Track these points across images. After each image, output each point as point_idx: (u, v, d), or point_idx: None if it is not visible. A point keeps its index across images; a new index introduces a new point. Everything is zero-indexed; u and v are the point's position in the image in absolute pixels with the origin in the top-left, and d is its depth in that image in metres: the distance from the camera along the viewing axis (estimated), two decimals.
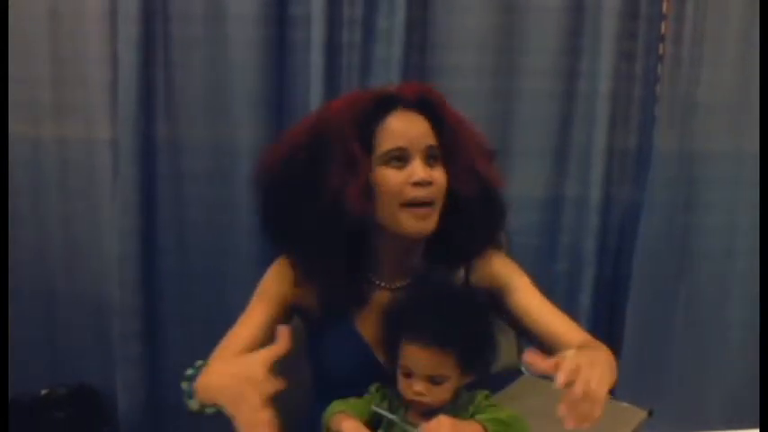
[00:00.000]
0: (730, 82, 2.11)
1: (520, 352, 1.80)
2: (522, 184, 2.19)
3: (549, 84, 2.17)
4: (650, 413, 1.36)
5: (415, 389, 1.21)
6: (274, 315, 1.33)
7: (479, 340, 1.26)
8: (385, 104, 1.29)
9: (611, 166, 2.18)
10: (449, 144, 1.30)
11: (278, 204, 1.33)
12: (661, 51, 2.16)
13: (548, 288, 2.23)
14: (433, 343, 1.20)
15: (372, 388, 1.28)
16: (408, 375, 1.22)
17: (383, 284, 1.36)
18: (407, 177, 1.26)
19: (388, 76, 2.08)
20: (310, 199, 1.27)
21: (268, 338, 1.32)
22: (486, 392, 1.28)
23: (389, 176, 1.26)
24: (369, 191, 1.26)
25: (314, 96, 2.08)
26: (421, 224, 1.27)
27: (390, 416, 1.21)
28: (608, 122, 2.14)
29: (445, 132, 1.31)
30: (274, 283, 1.37)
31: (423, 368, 1.21)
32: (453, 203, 1.30)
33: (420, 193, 1.26)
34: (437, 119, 1.30)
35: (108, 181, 2.19)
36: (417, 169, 1.26)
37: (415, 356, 1.21)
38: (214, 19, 2.11)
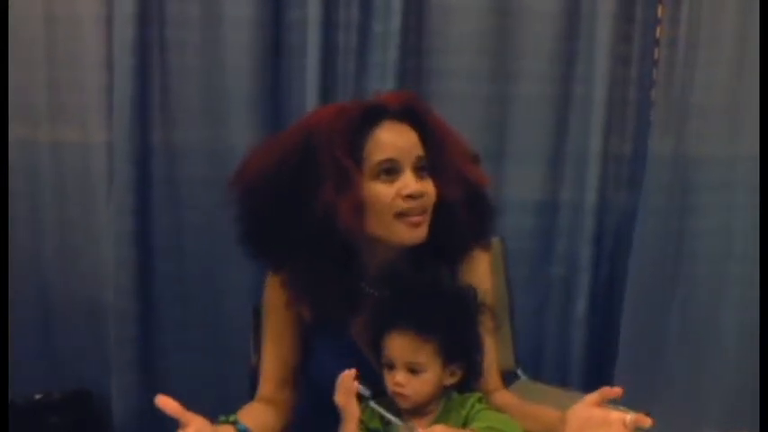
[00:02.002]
0: (725, 86, 2.11)
1: (516, 356, 1.80)
2: (518, 188, 2.19)
3: (544, 88, 2.17)
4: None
5: (396, 379, 1.22)
6: (287, 327, 1.39)
7: (462, 333, 1.26)
8: (372, 116, 1.29)
9: (607, 171, 2.17)
10: (436, 152, 1.31)
11: (263, 219, 1.32)
12: (656, 55, 2.16)
13: (543, 292, 2.26)
14: (410, 327, 1.21)
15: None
16: (390, 367, 1.23)
17: (373, 291, 1.36)
18: (399, 190, 1.26)
19: (383, 80, 2.09)
20: (300, 214, 1.26)
21: (293, 352, 1.39)
22: (479, 395, 1.28)
23: (381, 191, 1.26)
24: (360, 205, 1.25)
25: (310, 100, 2.08)
26: (414, 233, 1.27)
27: (388, 414, 1.20)
28: (603, 127, 2.14)
29: (432, 141, 1.31)
30: (274, 296, 1.39)
31: (401, 355, 1.22)
32: (441, 208, 1.30)
33: (412, 204, 1.26)
34: (424, 128, 1.31)
35: (103, 185, 2.19)
36: (409, 182, 1.26)
37: (394, 343, 1.22)
38: (210, 23, 2.12)
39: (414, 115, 1.31)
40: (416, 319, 1.22)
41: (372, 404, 1.22)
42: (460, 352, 1.25)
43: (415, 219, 1.27)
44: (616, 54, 2.12)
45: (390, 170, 1.26)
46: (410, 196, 1.25)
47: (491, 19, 2.13)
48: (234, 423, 1.19)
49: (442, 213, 1.30)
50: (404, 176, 1.26)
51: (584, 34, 2.14)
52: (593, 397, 1.14)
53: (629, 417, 1.07)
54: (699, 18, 2.10)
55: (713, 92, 2.12)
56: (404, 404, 1.23)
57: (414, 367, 1.22)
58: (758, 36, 2.03)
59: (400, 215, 1.26)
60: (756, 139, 2.04)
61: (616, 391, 1.12)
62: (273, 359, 1.39)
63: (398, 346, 1.22)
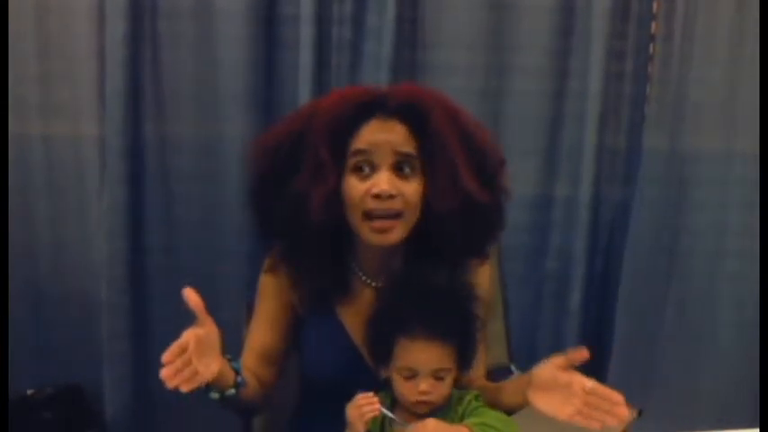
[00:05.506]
0: (720, 81, 2.11)
1: (510, 350, 1.80)
2: (513, 183, 2.19)
3: (539, 83, 2.17)
4: (640, 413, 1.36)
5: (422, 388, 1.19)
6: (278, 310, 1.37)
7: (474, 333, 1.26)
8: (365, 110, 1.26)
9: (601, 165, 2.18)
10: (430, 155, 1.26)
11: (259, 189, 1.33)
12: (651, 51, 2.16)
13: (538, 286, 2.25)
14: (437, 336, 1.20)
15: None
16: (411, 377, 1.20)
17: (367, 280, 1.36)
18: (369, 188, 1.23)
19: (377, 74, 2.08)
20: (282, 196, 1.26)
21: (280, 334, 1.37)
22: (475, 392, 1.27)
23: (353, 186, 1.24)
24: (334, 198, 1.24)
25: (303, 94, 2.07)
26: (380, 237, 1.25)
27: (385, 410, 1.20)
28: (598, 121, 2.14)
29: (430, 142, 1.26)
30: (270, 280, 1.38)
31: (428, 363, 1.20)
32: (431, 215, 1.26)
33: (380, 205, 1.23)
34: (421, 127, 1.26)
35: (95, 179, 2.17)
36: (380, 180, 1.22)
37: (420, 353, 1.19)
38: (203, 16, 2.10)
39: (411, 112, 1.26)
40: (441, 328, 1.20)
41: None
42: (473, 351, 1.26)
43: (380, 223, 1.23)
44: (611, 49, 2.12)
45: (363, 165, 1.24)
46: (377, 196, 1.22)
47: (486, 13, 2.13)
48: (229, 360, 1.20)
49: (428, 219, 1.27)
50: (378, 174, 1.23)
51: (580, 29, 2.14)
52: (559, 360, 1.16)
53: (589, 384, 1.11)
54: (694, 13, 2.11)
55: (708, 87, 2.12)
56: (424, 410, 1.21)
57: (440, 374, 1.21)
58: (755, 32, 2.03)
59: (367, 216, 1.24)
60: (750, 135, 2.04)
61: (583, 354, 1.15)
62: (259, 336, 1.38)
63: (425, 355, 1.19)
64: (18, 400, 2.15)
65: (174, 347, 1.05)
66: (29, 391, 2.18)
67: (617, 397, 1.09)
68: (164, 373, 1.04)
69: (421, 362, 1.20)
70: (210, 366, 1.10)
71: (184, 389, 1.06)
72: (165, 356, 1.04)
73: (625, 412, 1.09)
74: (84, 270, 2.24)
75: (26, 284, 2.25)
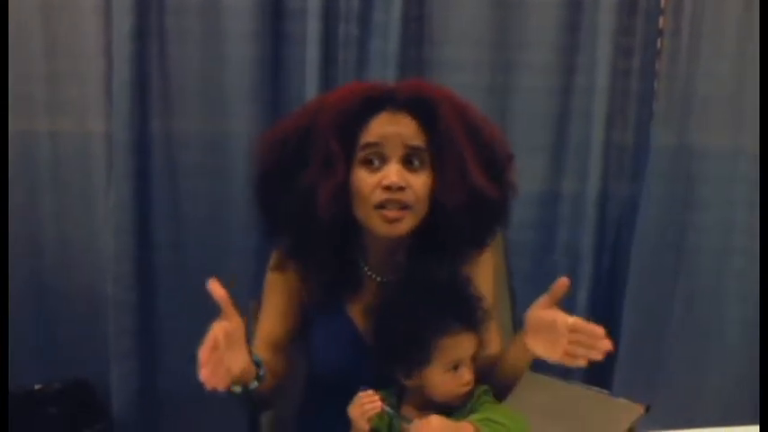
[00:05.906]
0: (728, 77, 2.10)
1: None
2: (520, 179, 2.18)
3: (546, 79, 2.16)
4: (647, 409, 1.36)
5: (467, 378, 1.21)
6: (286, 303, 1.38)
7: (482, 315, 1.27)
8: (374, 104, 1.27)
9: (609, 162, 2.17)
10: (439, 149, 1.27)
11: (264, 185, 1.33)
12: (659, 46, 2.16)
13: (545, 283, 2.24)
14: (472, 325, 1.22)
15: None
16: (456, 367, 1.21)
17: (372, 275, 1.36)
18: (380, 180, 1.24)
19: (384, 70, 2.08)
20: (289, 190, 1.27)
21: (289, 325, 1.38)
22: (485, 387, 1.27)
23: (363, 178, 1.25)
24: (342, 192, 1.25)
25: (310, 90, 2.07)
26: (391, 227, 1.25)
27: (388, 409, 1.20)
28: (605, 118, 2.13)
29: (437, 136, 1.27)
30: (277, 277, 1.39)
31: (467, 352, 1.22)
32: (438, 209, 1.27)
33: (390, 197, 1.24)
34: (430, 121, 1.27)
35: (102, 175, 2.17)
36: (390, 172, 1.24)
37: (464, 344, 1.21)
38: (209, 12, 2.10)
39: (420, 106, 1.27)
40: (471, 316, 1.23)
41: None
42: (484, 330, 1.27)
43: (391, 213, 1.24)
44: (619, 45, 2.12)
45: (373, 158, 1.25)
46: (388, 187, 1.23)
47: (492, 9, 2.12)
48: (249, 353, 1.20)
49: (436, 213, 1.28)
50: (388, 167, 1.24)
51: (587, 25, 2.13)
52: (543, 299, 1.18)
53: (570, 320, 1.12)
54: (702, 9, 2.10)
55: (716, 83, 2.12)
56: (461, 401, 1.22)
57: (473, 359, 1.23)
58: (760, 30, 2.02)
59: (379, 206, 1.24)
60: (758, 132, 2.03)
61: (562, 283, 1.17)
62: (268, 326, 1.38)
63: (467, 343, 1.22)
64: (25, 394, 2.16)
65: (207, 346, 1.05)
66: (36, 387, 2.19)
67: (599, 330, 1.10)
68: (203, 375, 1.04)
69: (464, 352, 1.21)
70: (238, 360, 1.11)
71: (221, 388, 1.06)
72: (202, 356, 1.04)
73: (608, 345, 1.09)
74: (90, 266, 2.25)
75: (32, 280, 2.26)
